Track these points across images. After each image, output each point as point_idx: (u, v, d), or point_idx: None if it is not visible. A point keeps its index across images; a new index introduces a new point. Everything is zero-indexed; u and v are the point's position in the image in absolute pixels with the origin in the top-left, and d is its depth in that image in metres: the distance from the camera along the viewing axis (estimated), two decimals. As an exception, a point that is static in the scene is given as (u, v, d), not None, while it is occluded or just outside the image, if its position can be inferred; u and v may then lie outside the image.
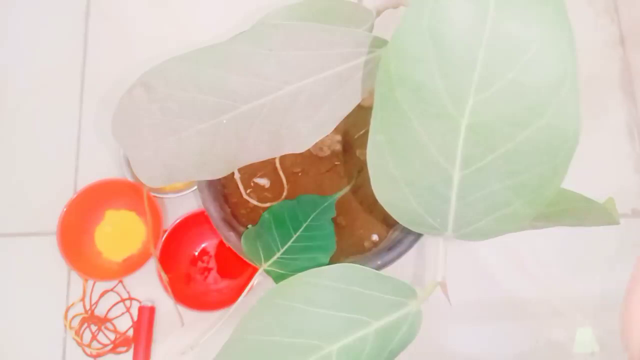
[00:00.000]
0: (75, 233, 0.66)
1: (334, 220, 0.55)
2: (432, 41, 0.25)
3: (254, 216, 0.57)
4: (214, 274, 0.67)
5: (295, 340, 0.31)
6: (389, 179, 0.30)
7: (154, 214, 0.64)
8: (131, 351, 0.64)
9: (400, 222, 0.32)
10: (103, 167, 0.70)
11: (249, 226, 0.54)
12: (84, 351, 0.65)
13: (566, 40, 0.24)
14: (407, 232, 0.53)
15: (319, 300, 0.32)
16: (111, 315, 0.66)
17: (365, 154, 0.30)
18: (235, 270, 0.66)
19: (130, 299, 0.66)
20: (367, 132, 0.29)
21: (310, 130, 0.36)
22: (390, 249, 0.53)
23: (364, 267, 0.32)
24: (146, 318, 0.64)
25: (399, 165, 0.29)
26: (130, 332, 0.65)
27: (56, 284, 0.67)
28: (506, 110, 0.25)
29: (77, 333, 0.65)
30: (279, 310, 0.32)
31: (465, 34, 0.25)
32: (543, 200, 0.27)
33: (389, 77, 0.27)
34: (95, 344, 0.65)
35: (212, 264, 0.67)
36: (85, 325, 0.65)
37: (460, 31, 0.25)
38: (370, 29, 0.39)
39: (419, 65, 0.26)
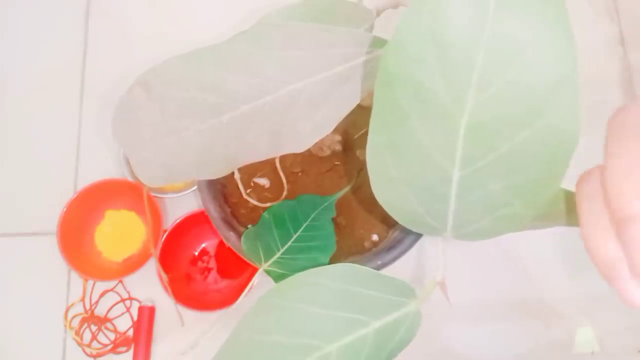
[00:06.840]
0: (75, 233, 0.66)
1: (334, 220, 0.55)
2: (432, 41, 0.25)
3: (254, 216, 0.57)
4: (214, 274, 0.67)
5: (294, 340, 0.31)
6: (388, 179, 0.30)
7: (154, 214, 0.64)
8: (131, 351, 0.64)
9: (400, 223, 0.32)
10: (103, 167, 0.70)
11: (249, 226, 0.54)
12: (84, 351, 0.65)
13: (566, 40, 0.24)
14: (407, 232, 0.53)
15: (318, 300, 0.32)
16: (111, 315, 0.66)
17: (365, 154, 0.30)
18: (235, 270, 0.66)
19: (130, 299, 0.66)
20: (367, 132, 0.29)
21: (310, 130, 0.36)
22: (390, 249, 0.53)
23: (364, 267, 0.32)
24: (146, 318, 0.64)
25: (398, 165, 0.29)
26: (130, 332, 0.65)
27: (56, 284, 0.67)
28: (506, 110, 0.25)
29: (77, 333, 0.65)
30: (278, 310, 0.32)
31: (465, 34, 0.25)
32: (543, 201, 0.27)
33: (389, 77, 0.27)
34: (95, 344, 0.65)
35: (212, 264, 0.67)
36: (85, 325, 0.65)
37: (460, 31, 0.25)
38: (370, 29, 0.39)
39: (418, 65, 0.26)
